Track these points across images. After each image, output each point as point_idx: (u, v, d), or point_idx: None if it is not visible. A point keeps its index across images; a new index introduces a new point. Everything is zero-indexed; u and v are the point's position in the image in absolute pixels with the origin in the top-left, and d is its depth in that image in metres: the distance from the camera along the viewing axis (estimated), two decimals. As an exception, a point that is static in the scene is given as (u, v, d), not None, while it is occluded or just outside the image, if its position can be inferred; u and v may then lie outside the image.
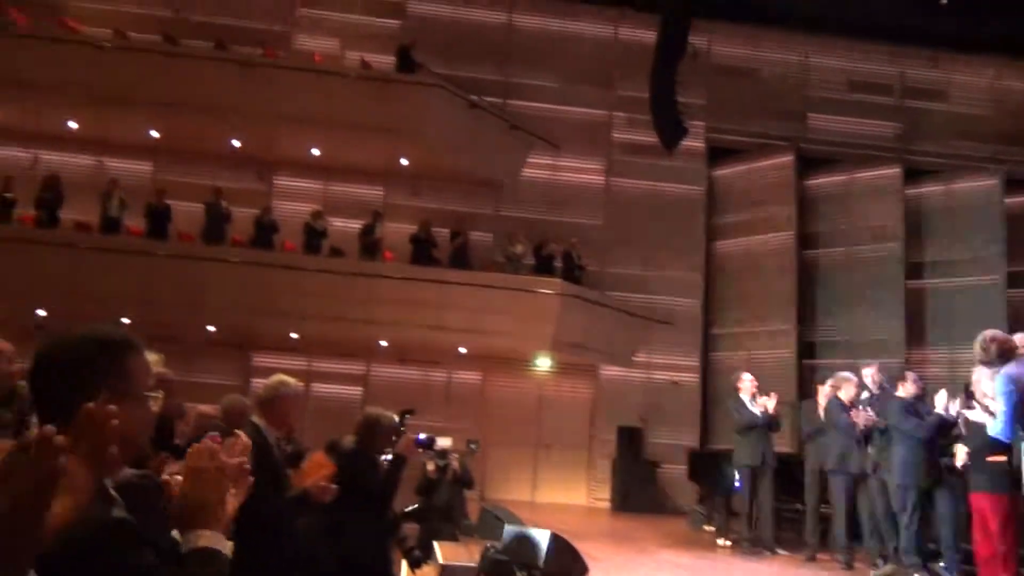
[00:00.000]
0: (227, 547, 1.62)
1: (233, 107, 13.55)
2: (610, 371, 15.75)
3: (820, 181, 16.38)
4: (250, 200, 14.48)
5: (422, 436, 4.99)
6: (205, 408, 7.09)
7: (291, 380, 4.05)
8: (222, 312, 13.29)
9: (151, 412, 1.62)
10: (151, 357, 2.10)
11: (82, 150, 14.88)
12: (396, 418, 4.81)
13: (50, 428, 0.99)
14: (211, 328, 13.83)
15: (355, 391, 14.94)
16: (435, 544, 5.91)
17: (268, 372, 4.38)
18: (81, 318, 12.13)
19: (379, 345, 14.61)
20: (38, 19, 13.94)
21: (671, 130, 14.57)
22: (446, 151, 14.46)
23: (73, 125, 14.38)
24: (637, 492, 14.38)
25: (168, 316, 13.14)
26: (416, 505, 7.61)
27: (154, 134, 14.56)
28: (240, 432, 1.83)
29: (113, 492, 1.54)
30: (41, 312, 13.13)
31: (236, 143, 14.66)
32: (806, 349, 15.61)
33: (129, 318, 13.19)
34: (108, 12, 15.03)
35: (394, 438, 4.69)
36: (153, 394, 1.63)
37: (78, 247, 12.90)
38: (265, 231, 13.97)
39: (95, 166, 14.92)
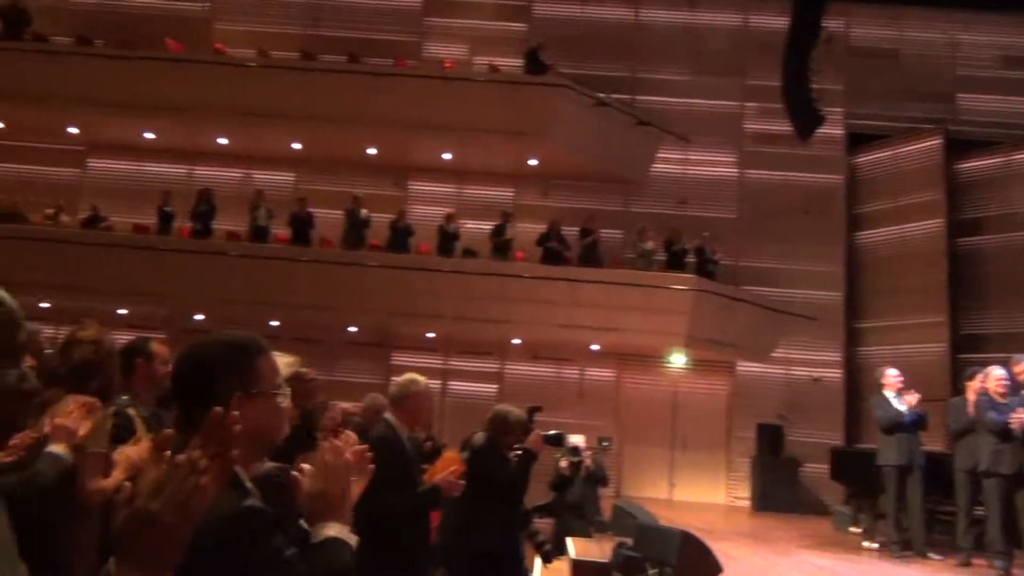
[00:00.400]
0: (353, 540, 1.72)
1: (368, 117, 14.08)
2: (747, 367, 15.37)
3: (972, 165, 15.44)
4: (386, 205, 14.98)
5: (551, 432, 5.03)
6: (347, 405, 7.43)
7: (420, 378, 4.15)
8: (362, 314, 13.81)
9: (280, 408, 1.73)
10: (285, 358, 2.24)
11: (232, 164, 15.83)
12: (525, 415, 4.87)
13: (198, 454, 1.11)
14: (352, 329, 14.41)
15: (490, 388, 15.20)
16: (567, 539, 5.96)
17: (406, 370, 4.53)
18: (233, 322, 13.02)
19: (512, 343, 14.82)
20: (190, 45, 14.96)
21: (806, 118, 14.05)
22: (575, 150, 14.50)
23: (223, 141, 15.31)
24: (777, 491, 13.95)
25: (312, 318, 13.80)
26: (549, 500, 7.70)
27: (296, 146, 15.31)
28: (346, 432, 1.98)
29: (249, 484, 1.65)
30: (199, 316, 14.08)
31: (372, 151, 15.22)
32: (963, 342, 14.73)
33: (277, 320, 13.95)
34: (250, 33, 15.92)
35: (523, 434, 4.74)
36: (281, 391, 1.74)
37: (229, 255, 13.73)
38: (400, 235, 14.41)
39: (243, 178, 15.82)
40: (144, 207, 14.82)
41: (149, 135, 15.27)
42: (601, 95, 14.69)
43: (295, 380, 5.77)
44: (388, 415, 4.08)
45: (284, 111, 14.15)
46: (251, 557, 1.52)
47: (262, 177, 15.73)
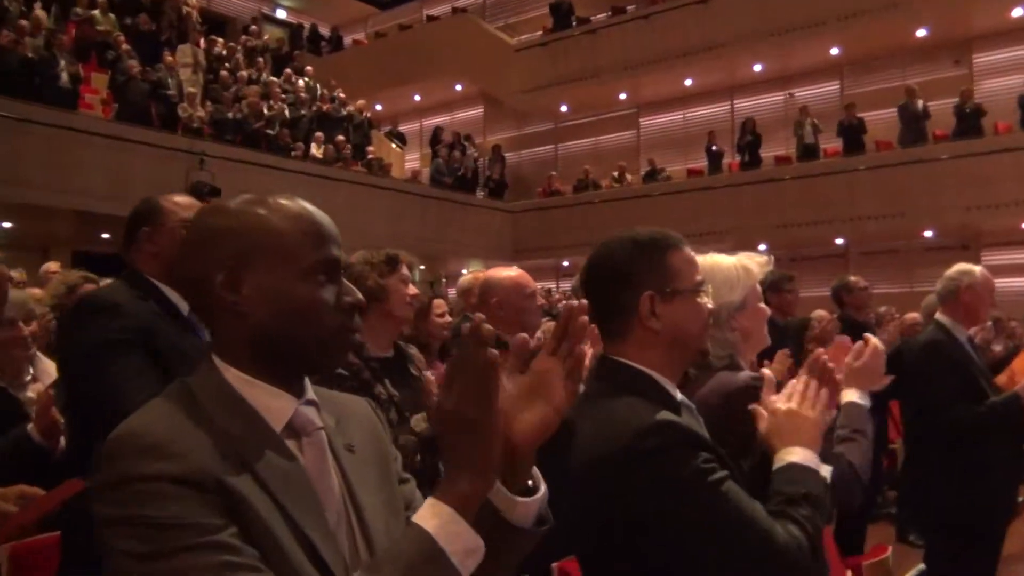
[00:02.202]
0: (825, 470, 1.47)
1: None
2: None
3: None
4: (946, 89, 13.11)
5: None
6: (912, 316, 6.68)
7: (975, 268, 3.49)
8: (936, 215, 12.31)
9: (702, 307, 1.51)
10: (755, 258, 1.97)
11: (770, 89, 15.49)
12: None
13: (479, 316, 0.95)
14: (927, 233, 12.95)
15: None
16: None
17: (1000, 271, 3.80)
18: (797, 245, 12.75)
19: None
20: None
21: None
22: None
23: (758, 68, 15.05)
24: None
25: (880, 229, 12.78)
26: None
27: (835, 51, 14.30)
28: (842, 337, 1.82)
29: (677, 396, 1.49)
30: (761, 247, 14.07)
31: (922, 32, 13.46)
32: None
33: (842, 238, 13.28)
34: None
35: None
36: (703, 288, 1.52)
37: (782, 179, 13.46)
38: (969, 118, 12.47)
39: (784, 100, 15.36)
40: (693, 151, 15.40)
41: (688, 81, 15.75)
42: None
43: (843, 290, 5.36)
44: (939, 315, 3.52)
45: (818, 18, 13.34)
46: (659, 479, 1.32)
47: (803, 94, 15.08)
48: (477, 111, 18.96)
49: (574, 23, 16.47)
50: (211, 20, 16.98)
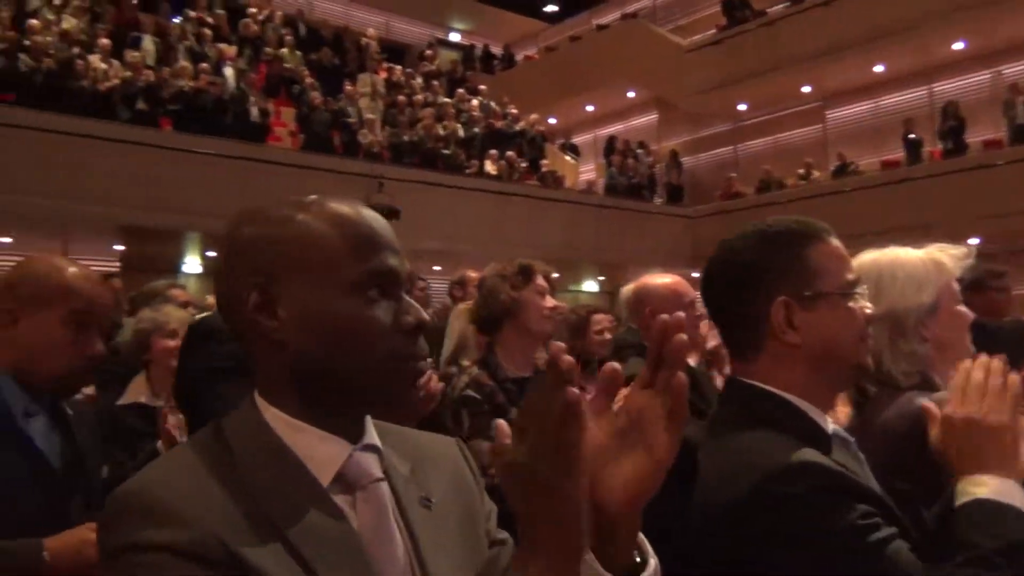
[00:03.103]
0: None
1: None
2: None
3: None
4: None
5: None
6: None
7: None
8: None
9: (853, 312, 1.21)
10: (950, 251, 1.63)
11: (974, 67, 14.12)
12: None
13: (558, 345, 0.71)
14: None
15: None
16: None
17: None
18: (1014, 237, 11.48)
19: None
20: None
21: None
22: None
23: (958, 46, 13.77)
24: None
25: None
26: None
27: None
28: None
29: (829, 427, 1.19)
30: (973, 240, 12.80)
31: None
32: None
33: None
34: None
35: None
36: (856, 290, 1.23)
37: (994, 165, 12.18)
38: None
39: (991, 79, 13.94)
40: (887, 142, 14.30)
41: (878, 68, 14.66)
42: None
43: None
44: None
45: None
46: (794, 535, 1.02)
47: (1013, 70, 13.61)
48: (651, 117, 18.57)
49: (749, 17, 15.78)
50: (390, 49, 17.67)
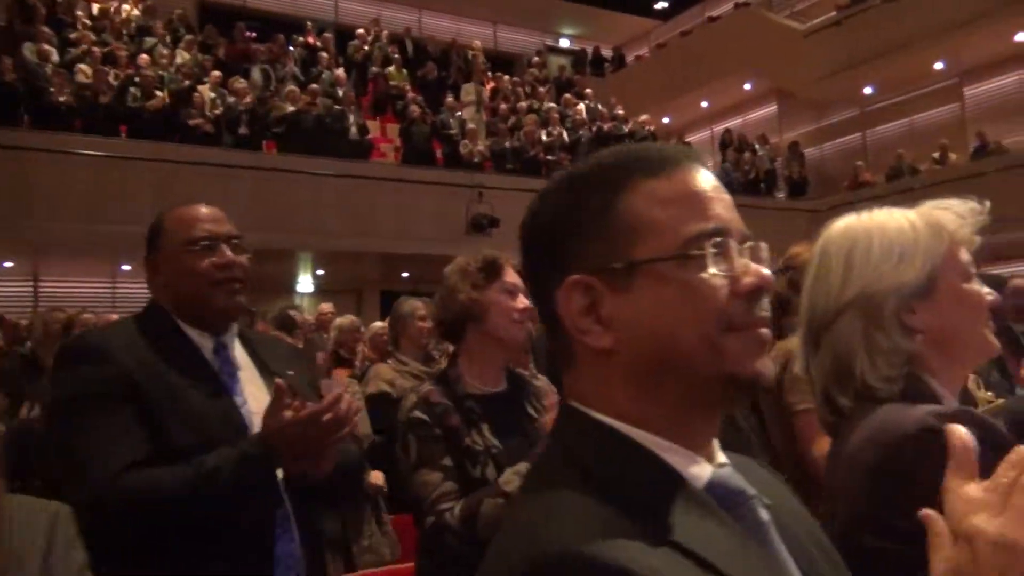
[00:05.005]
0: None
1: None
2: None
3: None
4: None
5: None
6: None
7: None
8: None
9: (704, 286, 0.73)
10: (956, 206, 1.15)
11: None
12: None
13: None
14: None
15: None
16: None
17: None
18: None
19: None
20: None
21: None
22: None
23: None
24: None
25: None
26: None
27: None
28: None
29: (713, 479, 0.84)
30: None
31: None
32: None
33: None
34: None
35: None
36: (711, 248, 0.74)
37: None
38: None
39: None
40: (1035, 116, 13.02)
41: (1020, 36, 13.37)
42: None
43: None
44: None
45: None
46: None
47: None
48: (770, 108, 17.69)
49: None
50: (497, 60, 17.64)
